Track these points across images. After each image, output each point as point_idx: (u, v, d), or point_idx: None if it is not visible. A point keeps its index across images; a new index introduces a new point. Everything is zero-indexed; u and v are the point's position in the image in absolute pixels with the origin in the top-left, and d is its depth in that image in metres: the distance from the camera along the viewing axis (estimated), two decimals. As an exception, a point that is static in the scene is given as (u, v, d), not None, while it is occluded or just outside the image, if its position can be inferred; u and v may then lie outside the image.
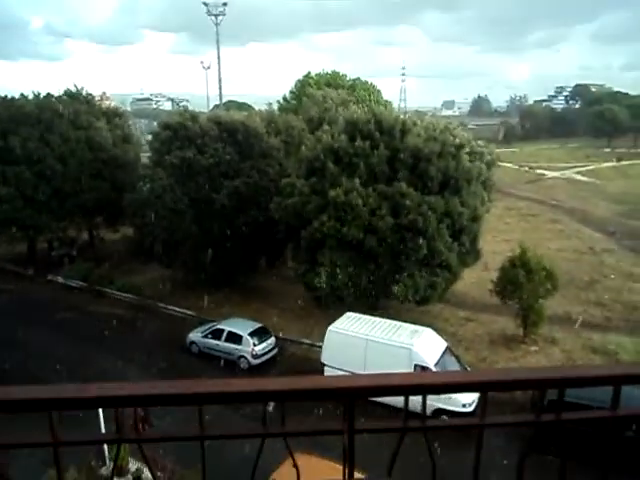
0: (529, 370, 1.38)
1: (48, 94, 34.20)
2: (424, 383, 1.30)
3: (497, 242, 33.12)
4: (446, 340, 19.70)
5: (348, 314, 20.34)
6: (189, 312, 26.28)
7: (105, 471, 14.75)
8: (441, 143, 22.47)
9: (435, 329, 20.16)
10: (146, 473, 14.60)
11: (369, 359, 17.71)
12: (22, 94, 33.90)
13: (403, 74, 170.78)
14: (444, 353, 18.50)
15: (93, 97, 37.59)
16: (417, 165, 22.06)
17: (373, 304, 23.06)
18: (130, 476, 14.45)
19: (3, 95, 33.07)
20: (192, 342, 22.87)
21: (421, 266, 22.08)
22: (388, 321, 19.81)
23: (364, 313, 20.57)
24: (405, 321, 20.22)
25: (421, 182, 22.00)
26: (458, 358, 19.16)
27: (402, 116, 26.03)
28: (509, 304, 22.19)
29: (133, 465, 14.68)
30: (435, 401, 14.96)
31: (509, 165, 65.31)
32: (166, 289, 28.50)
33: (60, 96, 34.55)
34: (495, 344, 22.27)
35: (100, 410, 12.66)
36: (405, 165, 22.12)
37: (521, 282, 20.89)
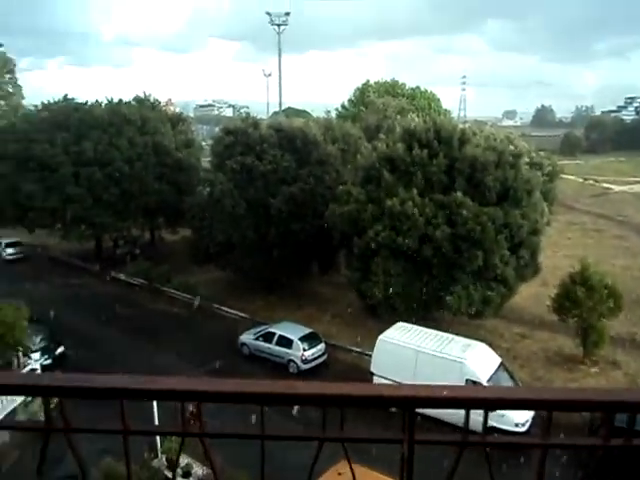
0: (602, 391, 1.29)
1: (120, 100, 36.02)
2: (488, 397, 1.28)
3: (557, 257, 31.92)
4: (500, 356, 19.18)
5: (399, 324, 20.17)
6: (242, 314, 26.82)
7: (157, 463, 15.28)
8: (499, 152, 22.04)
9: (489, 344, 19.67)
10: (195, 469, 15.02)
11: (419, 371, 17.49)
12: (96, 100, 35.90)
13: (463, 83, 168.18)
14: (497, 369, 18.01)
15: (159, 103, 39.29)
16: (474, 175, 21.70)
17: (425, 315, 22.76)
18: (180, 470, 14.91)
19: (79, 101, 35.08)
20: (243, 344, 23.33)
21: (476, 279, 21.64)
22: (440, 333, 19.50)
23: (416, 324, 20.35)
24: (457, 334, 19.83)
25: (479, 192, 21.61)
26: (512, 375, 18.60)
27: (461, 125, 25.71)
28: (568, 322, 21.35)
29: (183, 460, 15.16)
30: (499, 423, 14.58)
31: (573, 178, 62.80)
32: (221, 290, 29.22)
33: (129, 102, 36.33)
34: (552, 363, 21.46)
35: (155, 403, 13.19)
36: (462, 175, 21.81)
37: (581, 299, 20.06)
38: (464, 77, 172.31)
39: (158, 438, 14.78)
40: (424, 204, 21.41)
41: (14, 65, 45.74)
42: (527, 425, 16.31)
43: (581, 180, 66.27)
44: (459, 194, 21.06)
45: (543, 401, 1.28)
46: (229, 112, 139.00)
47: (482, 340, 19.86)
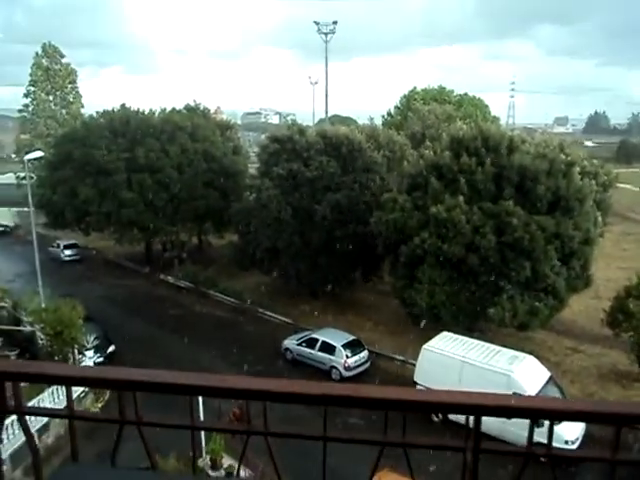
0: None
1: (172, 109, 37.19)
2: (557, 408, 1.26)
3: (611, 269, 30.69)
4: (549, 370, 18.59)
5: (444, 334, 19.89)
6: (285, 319, 27.09)
7: (201, 463, 15.59)
8: (550, 161, 21.47)
9: (537, 357, 19.09)
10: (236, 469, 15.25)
11: (464, 382, 17.17)
12: (150, 109, 37.23)
13: (512, 89, 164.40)
14: (547, 383, 17.47)
15: (209, 111, 40.31)
16: (524, 183, 21.22)
17: (470, 325, 22.34)
18: (223, 471, 15.16)
19: (134, 109, 36.44)
20: (287, 349, 23.53)
21: (523, 289, 21.10)
22: (486, 344, 19.10)
23: (460, 334, 20.01)
24: (504, 346, 19.36)
25: (529, 201, 21.10)
26: (562, 390, 17.99)
27: (510, 133, 25.20)
28: (622, 337, 20.48)
29: (226, 461, 15.42)
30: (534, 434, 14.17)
31: (629, 187, 60.16)
32: (265, 295, 29.61)
33: (181, 110, 37.45)
34: (605, 379, 20.62)
35: (200, 399, 13.49)
36: (511, 183, 21.36)
37: (636, 313, 19.22)
38: (513, 83, 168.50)
39: (203, 438, 15.11)
40: (471, 212, 21.08)
41: (76, 76, 48.04)
42: (577, 443, 15.72)
43: (637, 189, 63.47)
44: (509, 203, 20.62)
45: (613, 414, 1.23)
46: (275, 119, 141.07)
47: (530, 353, 19.31)
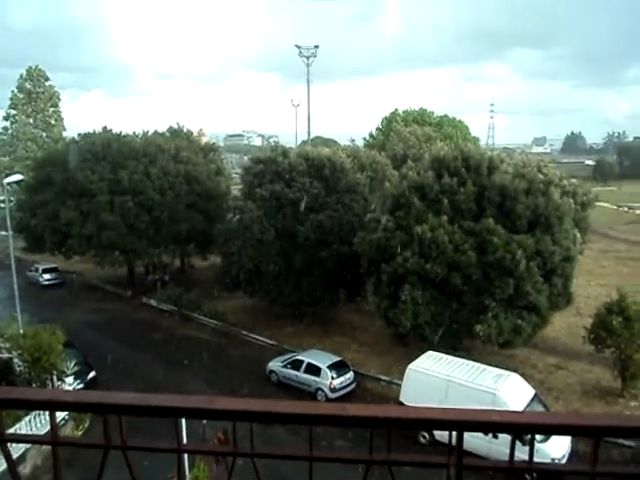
0: None
1: (155, 131, 37.19)
2: (538, 422, 1.26)
3: (591, 286, 31.15)
4: (533, 387, 18.66)
5: (429, 353, 19.89)
6: (270, 341, 26.84)
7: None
8: (528, 180, 21.90)
9: (521, 375, 19.17)
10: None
11: (450, 401, 17.12)
12: (134, 132, 37.20)
13: (492, 110, 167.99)
14: (531, 401, 17.52)
15: (192, 134, 40.40)
16: (504, 202, 21.57)
17: (455, 344, 22.39)
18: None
19: (115, 132, 36.36)
20: (272, 371, 23.29)
21: (507, 307, 21.27)
22: (471, 363, 19.12)
23: (446, 353, 20.03)
24: (489, 364, 19.40)
25: (509, 220, 21.42)
26: (546, 407, 18.04)
27: (489, 153, 25.68)
28: (605, 353, 20.69)
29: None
30: (519, 452, 14.17)
31: (606, 205, 61.49)
32: (249, 317, 29.37)
33: (163, 133, 37.46)
34: (588, 396, 20.75)
35: (184, 425, 13.24)
36: (492, 202, 21.70)
37: (618, 330, 19.47)
38: (492, 104, 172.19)
39: (187, 466, 14.77)
40: (453, 231, 21.31)
41: (59, 99, 47.94)
42: (564, 460, 15.72)
43: (615, 207, 64.89)
44: (490, 221, 20.91)
45: (592, 427, 1.24)
46: (258, 142, 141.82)
47: (514, 370, 19.38)
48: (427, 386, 17.94)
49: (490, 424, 1.26)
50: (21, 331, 20.66)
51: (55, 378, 19.05)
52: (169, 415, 1.41)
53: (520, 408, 16.66)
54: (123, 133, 36.53)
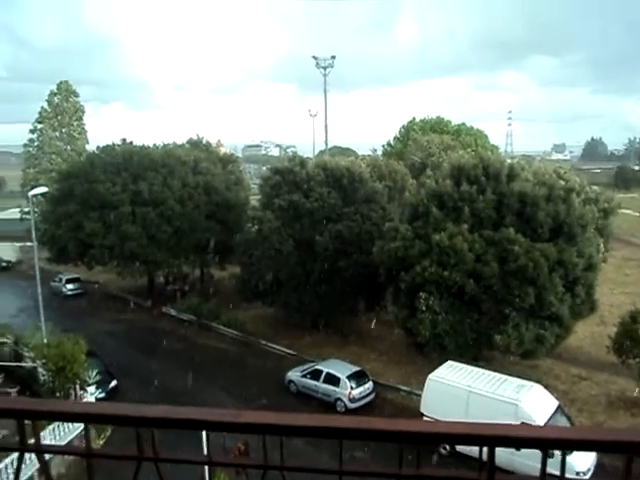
0: None
1: (174, 143, 37.75)
2: (572, 438, 1.23)
3: (615, 294, 30.57)
4: (557, 399, 18.34)
5: (449, 363, 19.70)
6: (289, 351, 26.86)
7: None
8: (549, 187, 21.68)
9: (544, 386, 18.87)
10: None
11: (471, 412, 16.93)
12: (154, 144, 37.80)
13: (509, 118, 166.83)
14: (555, 412, 17.22)
15: (211, 145, 40.89)
16: (525, 210, 21.37)
17: (476, 354, 22.15)
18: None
19: (136, 143, 36.99)
20: (291, 381, 23.27)
21: (528, 317, 20.99)
22: (492, 373, 18.89)
23: (466, 363, 19.82)
24: (510, 375, 19.15)
25: (530, 228, 21.21)
26: (570, 419, 17.72)
27: (509, 161, 25.52)
28: (629, 363, 20.26)
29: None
30: (538, 463, 13.93)
31: (629, 212, 60.42)
32: (268, 327, 29.43)
33: (183, 144, 37.98)
34: (613, 407, 20.31)
35: (204, 436, 13.29)
36: (512, 210, 21.52)
37: (644, 340, 19.07)
38: (510, 112, 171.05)
39: (207, 475, 14.82)
40: (473, 240, 21.16)
41: (83, 112, 49.09)
42: (589, 474, 15.40)
43: (637, 214, 63.67)
44: (510, 230, 20.72)
45: (627, 443, 1.19)
46: (276, 152, 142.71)
47: (537, 381, 19.08)
48: (448, 397, 17.76)
49: (521, 439, 1.25)
50: (45, 340, 21.00)
51: (78, 387, 19.30)
52: (200, 428, 1.42)
53: (543, 420, 16.39)
54: (143, 145, 37.12)
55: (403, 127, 47.32)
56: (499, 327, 20.92)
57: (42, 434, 16.30)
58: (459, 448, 16.53)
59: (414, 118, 47.97)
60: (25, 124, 48.82)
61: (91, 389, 20.57)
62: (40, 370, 19.80)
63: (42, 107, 47.27)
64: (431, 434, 1.29)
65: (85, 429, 1.66)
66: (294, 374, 23.29)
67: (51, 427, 16.79)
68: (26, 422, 1.58)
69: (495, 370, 19.65)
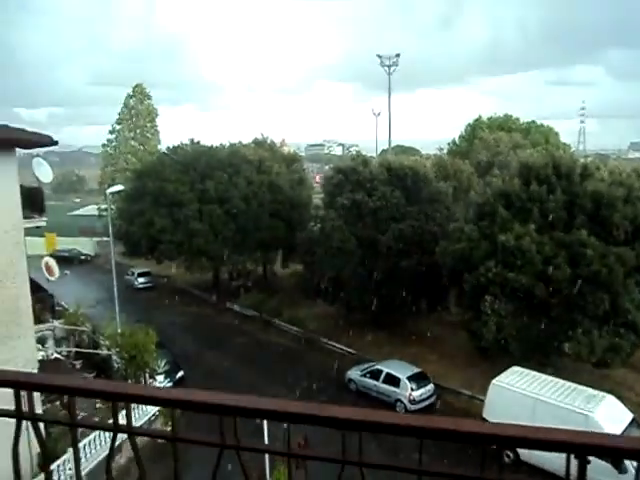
0: None
1: (239, 143, 38.78)
2: (610, 445, 1.18)
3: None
4: (632, 411, 17.35)
5: (514, 368, 19.10)
6: (349, 349, 26.94)
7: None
8: (627, 187, 20.50)
9: (617, 397, 17.89)
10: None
11: (537, 421, 16.31)
12: (221, 143, 39.03)
13: (582, 115, 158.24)
14: (629, 425, 16.31)
15: (275, 144, 41.62)
16: (599, 211, 20.33)
17: (542, 360, 21.31)
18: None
19: (204, 143, 38.30)
20: (350, 379, 23.34)
21: (601, 324, 19.96)
22: (561, 381, 18.14)
23: (532, 369, 19.13)
24: (580, 384, 18.30)
25: (604, 230, 20.15)
26: (647, 434, 16.70)
27: (582, 159, 24.38)
28: None
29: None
30: (596, 473, 13.31)
31: None
32: (328, 325, 29.62)
33: (248, 144, 38.92)
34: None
35: (265, 428, 13.60)
36: (585, 211, 20.54)
37: None
38: (583, 109, 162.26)
39: (267, 465, 15.18)
40: (542, 241, 20.38)
41: (156, 114, 51.46)
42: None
43: None
44: (582, 232, 19.79)
45: None
46: (338, 151, 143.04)
47: (609, 392, 18.12)
48: (512, 403, 17.23)
49: (620, 450, 1.18)
50: (119, 330, 22.19)
51: (147, 375, 20.26)
52: (283, 420, 1.46)
53: (617, 432, 15.55)
54: (210, 145, 38.34)
55: (469, 125, 46.17)
56: (568, 333, 20.03)
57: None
58: (524, 457, 16.05)
59: (480, 116, 46.71)
60: (104, 126, 51.80)
61: (160, 378, 21.54)
62: (114, 358, 20.95)
63: (121, 109, 49.96)
64: (515, 438, 1.25)
65: (172, 414, 1.78)
66: (354, 373, 23.35)
67: (123, 412, 17.71)
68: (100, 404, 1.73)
69: (563, 378, 18.85)
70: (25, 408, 1.80)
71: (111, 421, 1.81)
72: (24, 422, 1.76)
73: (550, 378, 18.37)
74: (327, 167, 56.77)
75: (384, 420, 1.35)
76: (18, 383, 1.81)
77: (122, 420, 1.76)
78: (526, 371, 18.83)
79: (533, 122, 46.00)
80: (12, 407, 1.80)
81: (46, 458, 2.27)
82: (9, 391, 1.75)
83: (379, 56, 54.12)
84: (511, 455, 16.86)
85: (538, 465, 15.68)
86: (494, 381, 18.39)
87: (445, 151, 44.62)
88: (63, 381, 1.86)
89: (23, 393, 1.75)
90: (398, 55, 54.44)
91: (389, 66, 53.73)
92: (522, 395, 17.38)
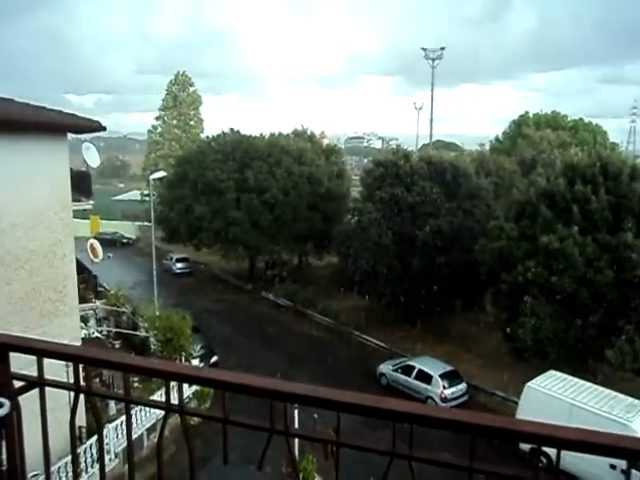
0: None
1: (279, 133, 38.97)
2: None
3: None
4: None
5: (550, 372, 18.67)
6: (381, 344, 26.87)
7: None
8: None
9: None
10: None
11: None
12: (261, 133, 39.31)
13: (633, 114, 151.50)
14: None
15: (315, 136, 41.61)
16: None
17: (580, 365, 20.76)
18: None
19: (243, 133, 38.66)
20: (382, 374, 23.31)
21: (646, 331, 19.27)
22: (599, 388, 17.63)
23: (569, 374, 18.66)
24: (620, 392, 17.75)
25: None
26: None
27: (633, 160, 23.48)
28: None
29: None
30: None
31: None
32: (361, 318, 29.60)
33: (288, 135, 39.06)
34: None
35: (296, 415, 13.74)
36: (633, 214, 19.83)
37: None
38: (635, 107, 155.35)
39: (297, 455, 15.35)
40: (585, 243, 19.79)
41: (200, 103, 52.24)
42: None
43: None
44: (629, 235, 19.11)
45: None
46: (378, 144, 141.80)
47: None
48: (547, 408, 16.82)
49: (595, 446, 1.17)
50: (157, 313, 22.78)
51: (183, 359, 20.74)
52: (338, 409, 1.51)
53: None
54: (250, 134, 38.62)
55: (513, 122, 45.08)
56: (609, 339, 19.44)
57: (152, 397, 17.75)
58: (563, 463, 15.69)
59: (526, 112, 45.50)
60: (148, 113, 52.95)
61: (195, 362, 22.00)
62: (152, 340, 21.53)
63: (164, 96, 50.93)
64: (550, 438, 1.23)
65: (223, 397, 1.83)
66: (386, 367, 23.30)
67: (159, 392, 18.18)
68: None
69: (602, 385, 18.32)
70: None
71: (163, 399, 1.88)
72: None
73: (588, 384, 17.89)
74: (366, 160, 56.49)
75: (440, 415, 1.37)
76: (79, 357, 1.91)
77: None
78: (563, 375, 18.39)
79: (581, 120, 44.57)
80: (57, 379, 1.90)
81: (99, 428, 2.37)
82: (57, 365, 1.84)
83: (423, 49, 53.32)
84: (544, 460, 16.54)
85: (574, 473, 15.31)
86: (529, 384, 18.04)
87: (487, 147, 43.72)
88: (119, 358, 1.95)
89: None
90: (443, 48, 53.51)
91: (433, 59, 52.89)
92: (558, 400, 17.00)
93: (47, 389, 1.88)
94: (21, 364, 1.94)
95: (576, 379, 18.20)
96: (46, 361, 1.84)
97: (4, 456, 1.82)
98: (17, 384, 1.85)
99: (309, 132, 40.53)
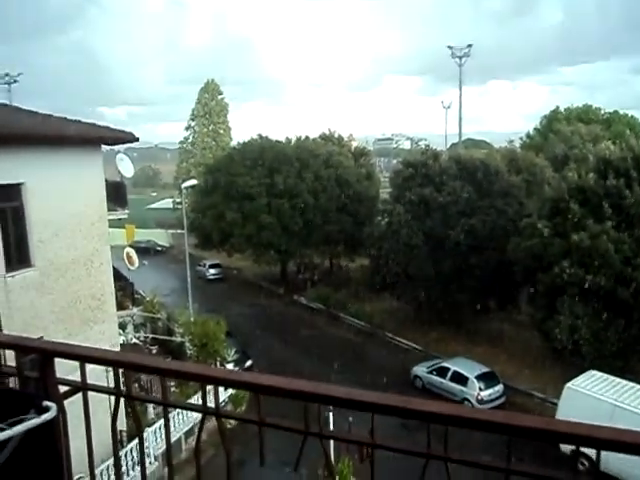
0: None
1: (307, 137, 39.17)
2: None
3: None
4: None
5: (591, 372, 18.18)
6: (415, 345, 26.67)
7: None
8: None
9: None
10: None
11: (615, 428, 15.46)
12: (287, 137, 39.61)
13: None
14: None
15: (343, 139, 41.65)
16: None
17: (622, 366, 20.13)
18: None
19: (272, 138, 39.01)
20: (416, 376, 23.11)
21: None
22: (643, 388, 17.07)
23: (610, 374, 18.12)
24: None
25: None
26: None
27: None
28: None
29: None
30: None
31: None
32: (394, 320, 29.44)
33: (315, 139, 39.22)
34: None
35: (331, 417, 13.74)
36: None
37: None
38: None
39: (333, 458, 15.33)
40: (621, 240, 19.22)
41: (227, 110, 53.02)
42: None
43: None
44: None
45: None
46: (407, 145, 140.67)
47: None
48: (588, 409, 16.37)
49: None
50: (192, 319, 23.18)
51: (218, 363, 21.04)
52: (376, 411, 1.50)
53: None
54: (277, 140, 38.93)
55: (544, 117, 44.13)
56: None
57: (189, 401, 18.03)
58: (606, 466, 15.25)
59: (557, 107, 44.48)
60: (178, 122, 54.03)
61: (229, 366, 22.27)
62: (187, 345, 21.91)
63: (195, 106, 51.86)
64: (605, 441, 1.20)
65: (257, 400, 1.87)
66: (420, 369, 23.10)
67: (195, 397, 18.48)
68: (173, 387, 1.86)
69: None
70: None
71: (200, 402, 1.93)
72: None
73: (631, 384, 17.34)
74: (395, 161, 56.14)
75: (476, 416, 1.38)
76: (119, 362, 1.99)
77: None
78: (604, 375, 17.88)
79: (616, 112, 43.28)
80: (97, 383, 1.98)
81: (140, 431, 2.45)
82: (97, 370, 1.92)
83: (450, 47, 52.61)
84: (586, 464, 16.12)
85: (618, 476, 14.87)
86: (569, 384, 17.60)
87: (517, 144, 42.92)
88: (156, 362, 2.02)
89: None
90: (470, 46, 52.61)
91: (460, 57, 52.09)
92: (599, 400, 16.54)
93: (89, 394, 1.97)
94: (65, 370, 2.03)
95: (618, 379, 17.69)
96: (88, 367, 1.93)
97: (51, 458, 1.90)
98: (62, 389, 1.94)
99: (336, 135, 40.58)
